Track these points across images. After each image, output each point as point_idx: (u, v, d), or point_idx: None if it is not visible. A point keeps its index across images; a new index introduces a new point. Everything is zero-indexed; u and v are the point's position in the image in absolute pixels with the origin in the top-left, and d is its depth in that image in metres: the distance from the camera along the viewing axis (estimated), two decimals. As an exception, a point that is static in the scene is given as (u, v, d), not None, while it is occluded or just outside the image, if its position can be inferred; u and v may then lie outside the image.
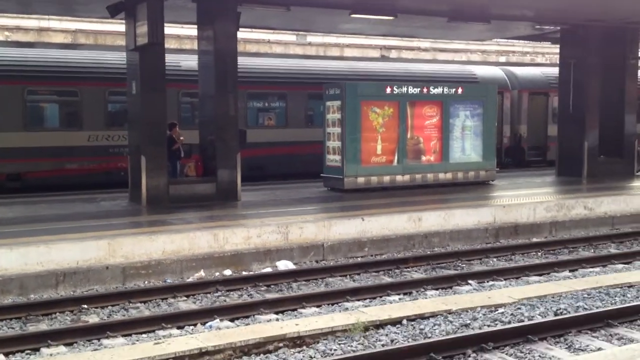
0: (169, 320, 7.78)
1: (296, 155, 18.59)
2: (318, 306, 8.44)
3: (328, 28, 21.66)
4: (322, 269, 10.32)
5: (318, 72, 19.99)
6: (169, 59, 14.66)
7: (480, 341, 6.73)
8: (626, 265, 10.77)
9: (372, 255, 11.33)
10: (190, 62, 16.89)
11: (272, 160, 18.52)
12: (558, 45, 19.67)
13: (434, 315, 7.70)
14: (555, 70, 21.48)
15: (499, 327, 7.26)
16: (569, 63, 18.40)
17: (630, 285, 9.17)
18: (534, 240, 12.62)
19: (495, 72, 23.28)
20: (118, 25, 21.53)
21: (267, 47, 26.14)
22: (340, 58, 25.52)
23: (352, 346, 6.64)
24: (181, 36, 23.92)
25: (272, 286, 9.51)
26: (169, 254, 10.04)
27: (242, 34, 16.31)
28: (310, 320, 7.24)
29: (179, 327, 7.69)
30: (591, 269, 10.54)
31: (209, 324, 7.75)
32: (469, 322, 7.52)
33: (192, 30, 18.58)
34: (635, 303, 8.24)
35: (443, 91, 16.13)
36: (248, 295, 9.13)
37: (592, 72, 18.00)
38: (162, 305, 8.69)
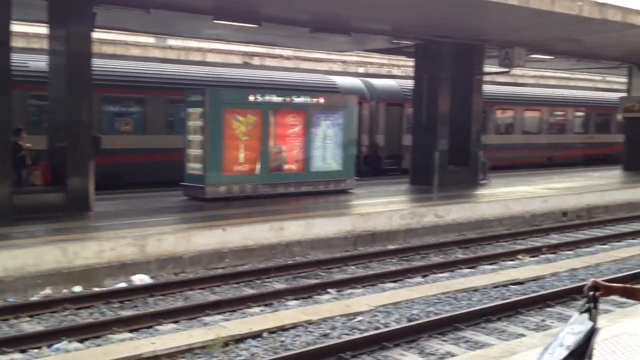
0: (11, 344, 7.17)
1: (156, 163, 18.05)
2: (176, 322, 8.20)
3: (190, 33, 21.27)
4: (181, 282, 10.07)
5: (180, 77, 19.57)
6: (17, 58, 13.70)
7: (339, 351, 6.87)
8: (472, 270, 11.43)
9: (233, 266, 11.23)
10: (40, 62, 15.91)
11: (129, 168, 17.85)
12: (413, 59, 20.62)
13: (294, 326, 7.77)
14: (409, 82, 22.48)
15: (357, 335, 7.46)
16: (423, 76, 19.33)
17: (476, 289, 9.76)
18: (390, 247, 13.10)
19: (355, 82, 23.97)
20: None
21: (125, 49, 25.19)
22: (202, 63, 25.12)
23: (211, 363, 6.54)
24: (29, 34, 22.47)
25: (127, 302, 9.10)
26: (11, 271, 9.31)
27: (97, 34, 15.61)
28: (167, 338, 7.04)
29: (21, 351, 7.12)
30: (441, 274, 11.08)
31: (55, 346, 7.23)
32: (328, 331, 7.67)
33: (42, 29, 17.50)
34: (479, 307, 8.78)
35: (306, 100, 16.36)
36: (100, 314, 8.64)
37: (443, 86, 19.01)
38: (3, 327, 8.01)
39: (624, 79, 27.73)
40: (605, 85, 36.87)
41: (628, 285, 2.52)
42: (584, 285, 8.76)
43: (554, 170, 25.64)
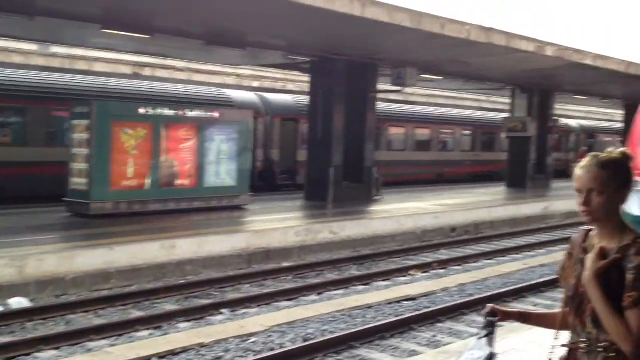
0: None
1: (37, 177, 17.01)
2: (57, 349, 7.65)
3: (77, 41, 20.32)
4: (63, 305, 9.44)
5: (65, 87, 18.59)
6: None
7: (232, 376, 6.63)
8: (366, 287, 11.50)
9: (120, 288, 10.67)
10: None
11: (8, 182, 16.70)
12: (309, 75, 20.71)
13: (185, 350, 7.45)
14: (305, 98, 22.58)
15: (251, 358, 7.25)
16: (318, 92, 19.42)
17: (370, 306, 9.79)
18: (285, 264, 12.96)
19: (250, 97, 23.78)
20: None
21: (5, 56, 23.72)
22: (88, 73, 24.03)
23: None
24: None
25: (3, 328, 8.43)
26: None
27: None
28: (47, 368, 6.54)
29: None
30: (336, 292, 11.05)
31: None
32: (222, 354, 7.41)
33: None
34: (374, 324, 8.80)
35: (200, 114, 16.00)
36: (-29, 342, 7.98)
37: (338, 102, 19.17)
38: None
39: (507, 100, 29.18)
40: (489, 105, 38.69)
41: (523, 310, 2.58)
42: (472, 301, 8.99)
43: (443, 186, 26.52)
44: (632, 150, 13.04)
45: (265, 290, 10.94)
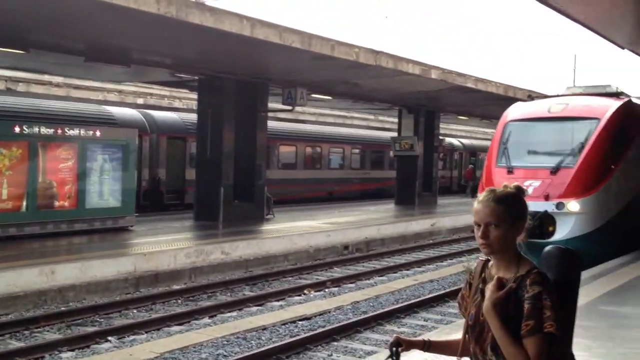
0: None
1: None
2: None
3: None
4: None
5: None
6: None
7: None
8: (260, 308, 11.27)
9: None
10: None
11: None
12: (196, 92, 20.31)
13: (68, 383, 6.92)
14: (192, 116, 22.12)
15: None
16: (207, 111, 19.06)
17: (265, 328, 9.60)
18: (175, 287, 12.48)
19: (135, 115, 23.01)
20: None
21: None
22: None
23: None
24: None
25: None
26: None
27: None
28: None
29: None
30: (229, 314, 10.76)
31: None
32: (108, 386, 6.95)
33: None
34: (269, 346, 8.61)
35: (80, 133, 15.22)
36: None
37: (227, 121, 18.88)
38: None
39: (395, 119, 30.00)
40: (377, 124, 39.64)
41: (426, 339, 2.67)
42: (366, 318, 9.00)
43: (334, 204, 26.78)
44: (488, 167, 13.56)
45: (155, 315, 10.49)
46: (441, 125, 31.10)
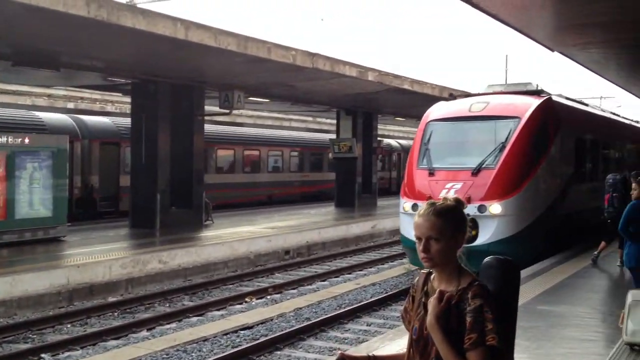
0: None
1: None
2: None
3: None
4: None
5: None
6: None
7: None
8: (200, 318, 11.03)
9: None
10: None
11: None
12: (130, 96, 19.78)
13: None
14: (126, 120, 21.54)
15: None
16: (141, 115, 18.57)
17: (206, 339, 9.40)
18: (111, 299, 12.07)
19: (65, 120, 22.26)
20: None
21: None
22: None
23: None
24: None
25: None
26: None
27: None
28: None
29: None
30: (168, 326, 10.48)
31: None
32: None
33: None
34: (210, 358, 8.41)
35: (8, 141, 14.57)
36: None
37: (162, 125, 18.44)
38: None
39: (333, 121, 29.98)
40: (316, 126, 39.63)
41: (371, 355, 2.62)
42: (309, 325, 8.89)
43: (274, 208, 26.59)
44: (410, 169, 13.18)
45: (90, 330, 10.13)
46: (379, 127, 31.32)
